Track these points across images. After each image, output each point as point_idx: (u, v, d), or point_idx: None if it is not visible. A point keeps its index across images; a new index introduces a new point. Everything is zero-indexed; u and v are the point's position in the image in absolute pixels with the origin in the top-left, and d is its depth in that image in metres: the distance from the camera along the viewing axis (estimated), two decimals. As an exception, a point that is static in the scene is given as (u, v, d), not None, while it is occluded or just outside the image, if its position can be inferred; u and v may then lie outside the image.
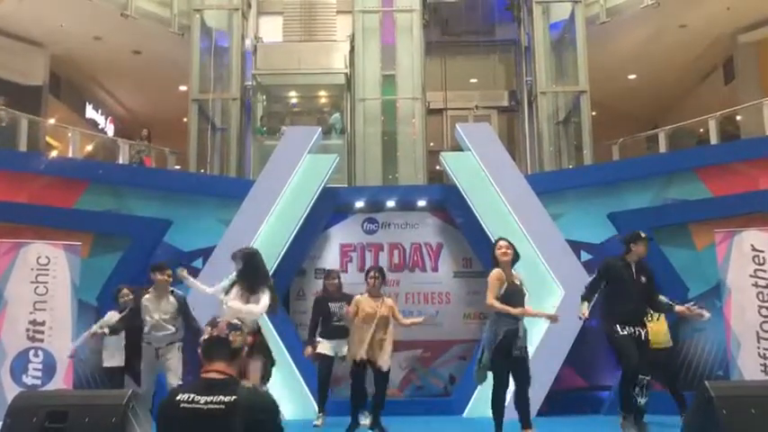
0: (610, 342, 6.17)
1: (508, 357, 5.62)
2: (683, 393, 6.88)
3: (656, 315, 7.20)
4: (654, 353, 7.03)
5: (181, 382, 6.31)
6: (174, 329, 6.42)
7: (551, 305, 8.30)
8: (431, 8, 12.42)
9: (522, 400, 5.67)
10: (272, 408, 2.71)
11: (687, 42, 13.71)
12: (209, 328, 2.82)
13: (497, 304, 5.70)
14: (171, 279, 6.57)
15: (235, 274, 6.03)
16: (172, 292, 6.53)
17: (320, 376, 7.58)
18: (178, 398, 2.64)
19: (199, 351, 2.82)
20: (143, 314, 6.41)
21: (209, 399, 2.59)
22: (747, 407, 3.63)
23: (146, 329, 6.39)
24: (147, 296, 6.48)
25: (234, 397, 2.60)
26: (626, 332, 5.99)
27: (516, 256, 5.95)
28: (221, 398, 2.59)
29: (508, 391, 5.75)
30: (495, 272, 5.87)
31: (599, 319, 6.45)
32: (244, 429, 2.55)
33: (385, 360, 6.43)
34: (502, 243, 5.95)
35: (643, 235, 6.29)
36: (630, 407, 6.00)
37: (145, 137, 12.86)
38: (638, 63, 14.50)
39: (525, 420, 5.65)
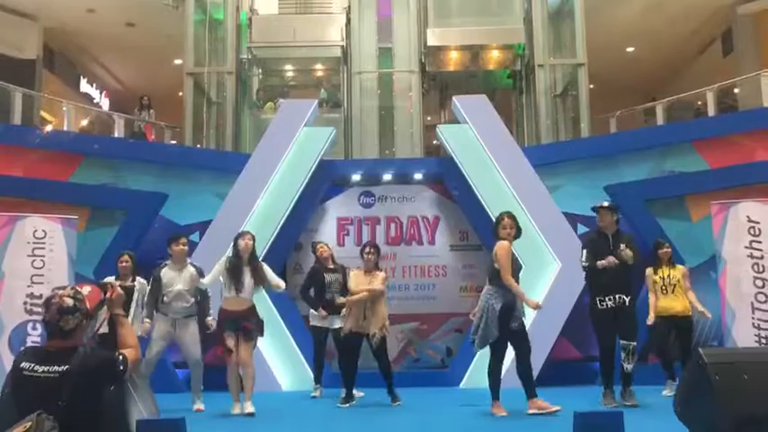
0: (590, 315, 6.27)
1: (505, 330, 5.65)
2: None
3: (672, 287, 7.21)
4: (672, 320, 7.12)
5: (198, 355, 6.49)
6: (192, 301, 6.46)
7: (548, 277, 8.39)
8: (430, 76, 12.34)
9: (524, 371, 5.72)
10: (104, 366, 3.01)
11: (685, 14, 13.60)
12: (44, 310, 3.05)
13: (515, 286, 5.72)
14: (187, 248, 6.64)
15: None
16: (192, 264, 6.60)
17: (314, 348, 7.65)
18: (22, 365, 2.95)
19: None
20: (162, 286, 6.42)
21: (45, 368, 2.92)
22: (740, 373, 3.65)
23: (165, 300, 6.40)
24: (164, 269, 6.51)
25: (66, 366, 2.90)
26: (604, 306, 6.08)
27: (518, 232, 5.95)
28: (55, 367, 2.91)
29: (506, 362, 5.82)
30: (506, 246, 5.83)
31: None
32: (73, 392, 2.87)
33: (374, 328, 6.51)
34: (507, 222, 5.92)
35: (599, 205, 6.37)
36: (609, 381, 6.17)
37: (146, 105, 12.70)
38: (636, 35, 14.41)
39: (530, 390, 5.70)
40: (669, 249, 7.45)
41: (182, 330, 6.45)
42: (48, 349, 3.03)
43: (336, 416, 6.29)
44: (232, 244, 6.35)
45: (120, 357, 3.07)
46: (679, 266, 7.47)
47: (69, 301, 3.03)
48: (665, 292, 7.26)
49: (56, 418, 2.83)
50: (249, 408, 6.04)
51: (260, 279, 6.25)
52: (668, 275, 7.30)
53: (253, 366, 6.21)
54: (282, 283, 6.57)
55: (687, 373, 3.95)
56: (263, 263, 6.46)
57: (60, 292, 3.08)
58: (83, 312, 3.06)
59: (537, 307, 5.87)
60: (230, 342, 6.07)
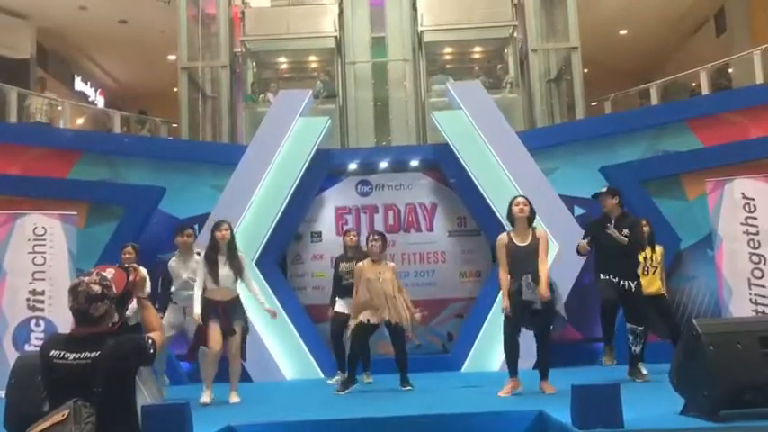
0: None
1: (516, 313, 5.74)
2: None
3: (653, 269, 7.13)
4: (649, 300, 7.10)
5: None
6: None
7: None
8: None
9: (539, 354, 5.91)
10: (136, 350, 3.05)
11: (678, -6, 13.62)
12: (71, 298, 3.04)
13: (502, 279, 5.87)
14: (192, 239, 6.73)
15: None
16: (198, 252, 6.61)
17: (331, 333, 7.67)
18: (51, 353, 2.95)
19: None
20: (171, 277, 6.61)
21: (77, 355, 2.92)
22: (734, 342, 3.72)
23: (173, 289, 6.57)
24: (172, 260, 6.66)
25: (98, 352, 2.92)
26: (606, 277, 6.14)
27: (532, 214, 5.99)
28: (87, 354, 2.92)
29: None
30: (499, 240, 5.97)
31: (592, 276, 6.55)
32: (106, 378, 2.90)
33: (402, 317, 6.54)
34: (520, 200, 6.02)
35: (599, 191, 6.43)
36: (607, 338, 6.30)
37: None
38: (628, 18, 14.39)
39: (541, 373, 5.85)
40: (647, 228, 7.07)
41: (191, 318, 6.52)
42: (76, 336, 3.01)
43: (340, 399, 6.34)
44: (210, 235, 6.32)
45: (150, 341, 3.09)
46: (659, 248, 7.28)
47: (97, 288, 3.02)
48: (645, 273, 7.02)
49: (92, 405, 2.84)
50: (234, 398, 6.15)
51: (237, 270, 6.17)
52: (649, 257, 7.12)
53: (239, 360, 6.26)
54: (260, 296, 6.46)
55: (682, 344, 4.00)
56: (242, 256, 6.38)
57: (86, 279, 3.06)
58: (110, 298, 3.07)
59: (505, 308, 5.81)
60: (212, 328, 5.99)
